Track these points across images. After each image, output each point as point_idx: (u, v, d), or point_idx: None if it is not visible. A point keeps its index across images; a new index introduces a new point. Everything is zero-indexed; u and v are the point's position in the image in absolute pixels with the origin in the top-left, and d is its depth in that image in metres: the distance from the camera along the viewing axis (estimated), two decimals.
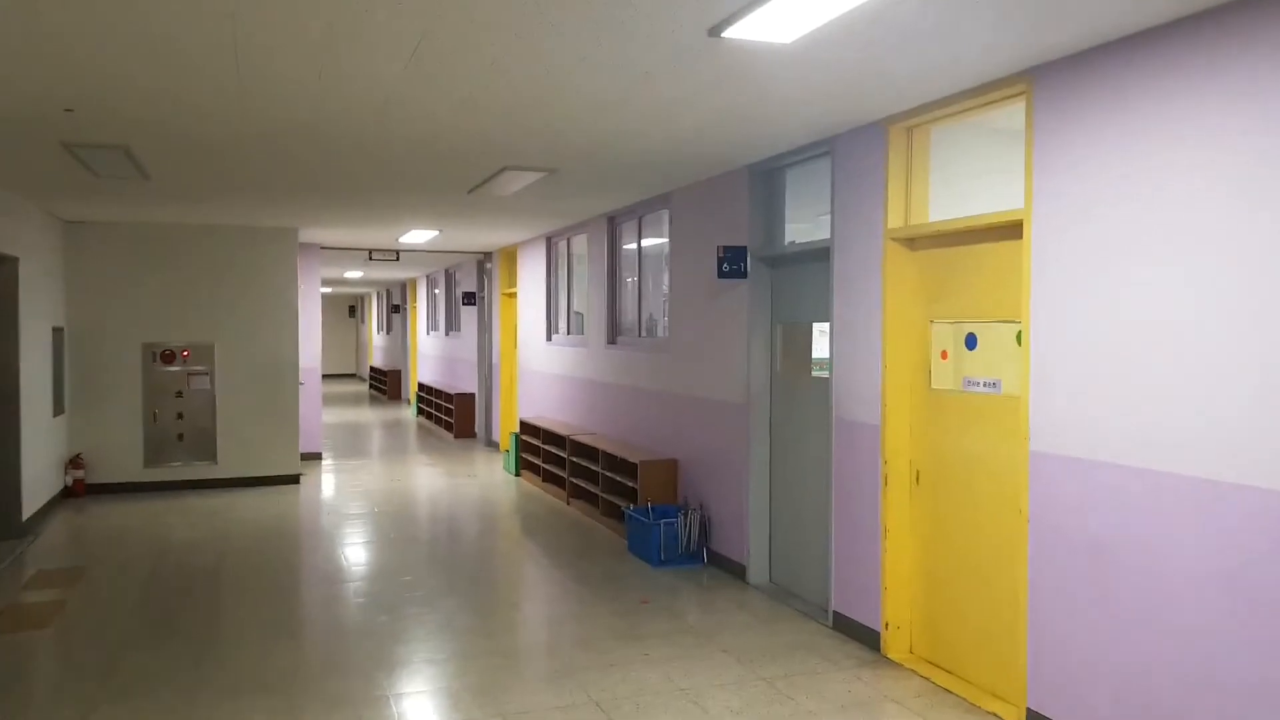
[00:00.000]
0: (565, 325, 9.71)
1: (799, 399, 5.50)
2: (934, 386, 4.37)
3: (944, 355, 4.33)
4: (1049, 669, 3.55)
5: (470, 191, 6.71)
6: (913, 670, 4.33)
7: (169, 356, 9.05)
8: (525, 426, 9.77)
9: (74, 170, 5.85)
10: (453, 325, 15.06)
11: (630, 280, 8.04)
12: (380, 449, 12.46)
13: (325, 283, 19.02)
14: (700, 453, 6.45)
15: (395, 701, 4.01)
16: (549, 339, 9.99)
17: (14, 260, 7.03)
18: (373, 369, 23.09)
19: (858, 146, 4.67)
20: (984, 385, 4.07)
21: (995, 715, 3.83)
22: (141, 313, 8.96)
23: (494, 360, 12.28)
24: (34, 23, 3.09)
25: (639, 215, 7.63)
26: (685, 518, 6.29)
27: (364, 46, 3.34)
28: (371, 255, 11.85)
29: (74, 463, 8.64)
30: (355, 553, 6.70)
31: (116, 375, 8.88)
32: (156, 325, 9.02)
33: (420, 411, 16.32)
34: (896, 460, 4.51)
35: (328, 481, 9.72)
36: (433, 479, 9.95)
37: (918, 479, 4.47)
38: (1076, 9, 2.96)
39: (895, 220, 4.48)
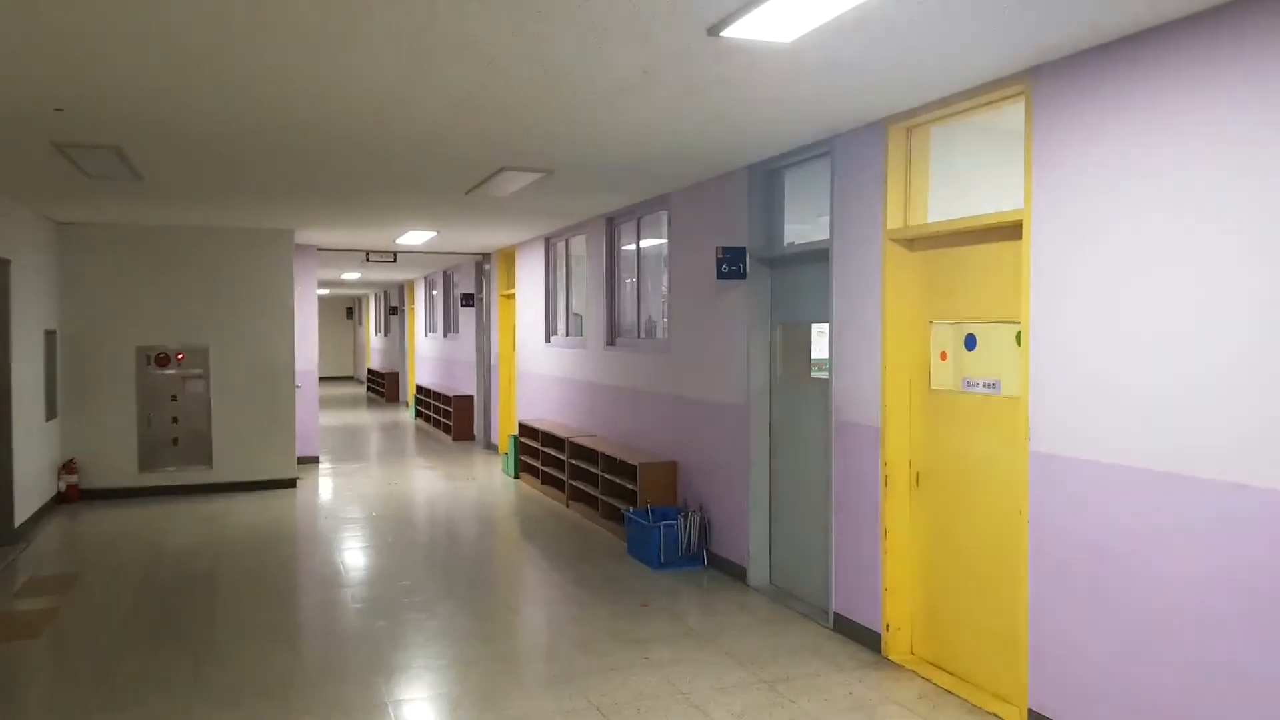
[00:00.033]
0: (564, 327, 9.68)
1: (798, 400, 5.47)
2: (934, 387, 4.35)
3: (943, 356, 4.30)
4: (1051, 670, 3.52)
5: (468, 192, 6.67)
6: (914, 672, 4.30)
7: (163, 360, 9.00)
8: (524, 429, 9.74)
9: (66, 171, 5.81)
10: (451, 327, 15.03)
11: (629, 281, 8.02)
12: (378, 452, 12.42)
13: (322, 284, 18.97)
14: (700, 455, 6.42)
15: (394, 708, 3.98)
16: (548, 340, 9.96)
17: (5, 262, 6.99)
18: (370, 371, 23.04)
19: (857, 147, 4.65)
20: (984, 386, 4.05)
21: (997, 716, 3.80)
22: (135, 316, 8.91)
23: (492, 362, 12.24)
24: (23, 21, 3.05)
25: (638, 216, 7.60)
26: (685, 520, 6.26)
27: (360, 46, 3.30)
28: (369, 257, 11.81)
29: (67, 468, 8.59)
30: (353, 557, 6.66)
31: (110, 379, 8.83)
32: (151, 328, 8.96)
33: (418, 414, 16.28)
34: (896, 461, 4.48)
35: (325, 485, 9.68)
36: (431, 482, 9.91)
37: (918, 480, 4.45)
38: (1076, 9, 2.94)
39: (895, 221, 4.45)
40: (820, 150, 4.99)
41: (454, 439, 13.27)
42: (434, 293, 16.43)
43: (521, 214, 8.07)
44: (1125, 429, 3.21)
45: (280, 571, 6.39)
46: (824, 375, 5.13)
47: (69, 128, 4.59)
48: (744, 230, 5.74)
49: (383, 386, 20.81)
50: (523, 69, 3.59)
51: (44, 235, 8.17)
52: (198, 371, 9.11)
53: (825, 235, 5.01)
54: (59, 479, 8.52)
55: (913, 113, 4.25)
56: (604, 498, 7.42)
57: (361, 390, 23.78)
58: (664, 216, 7.06)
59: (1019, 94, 3.73)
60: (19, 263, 7.27)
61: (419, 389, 16.25)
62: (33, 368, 7.69)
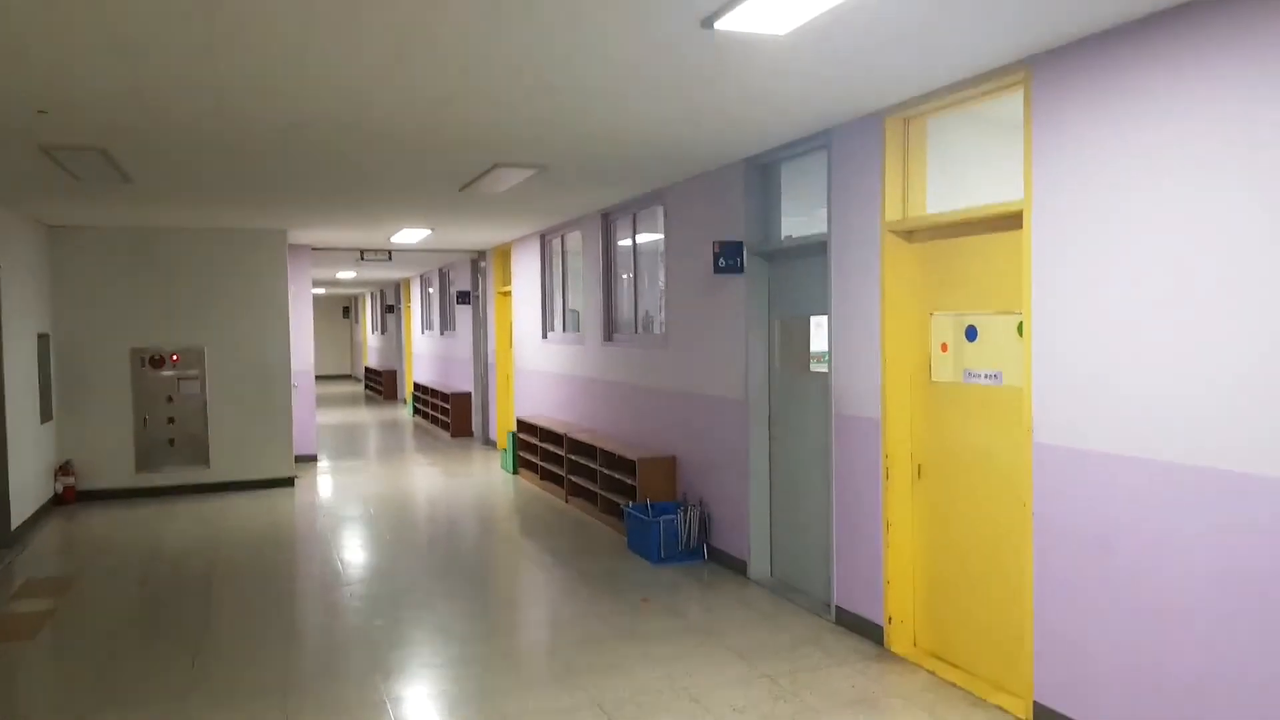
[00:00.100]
0: (561, 323, 9.65)
1: (798, 394, 5.45)
2: (934, 379, 4.33)
3: (944, 348, 4.28)
4: (1056, 662, 3.51)
5: (461, 189, 6.63)
6: (917, 665, 4.28)
7: (158, 361, 8.95)
8: (522, 425, 9.71)
9: (54, 174, 5.77)
10: (448, 324, 14.98)
11: (626, 277, 7.98)
12: (376, 450, 12.39)
13: (317, 283, 18.91)
14: (699, 449, 6.40)
15: (392, 706, 3.96)
16: (545, 337, 9.93)
17: None
18: (368, 369, 23.00)
19: (854, 138, 4.62)
20: (985, 377, 4.02)
21: (1002, 709, 3.79)
22: (129, 317, 8.86)
23: (490, 359, 12.21)
24: (1, 21, 3.01)
25: (633, 211, 7.57)
26: (685, 514, 6.24)
27: (345, 42, 3.26)
28: (363, 255, 11.76)
29: (63, 470, 8.55)
30: (351, 555, 6.64)
31: (105, 381, 8.79)
32: (145, 330, 8.92)
33: (416, 411, 16.25)
34: (897, 454, 4.46)
35: (323, 484, 9.65)
36: (430, 479, 9.88)
37: (919, 472, 4.43)
38: None
39: (893, 212, 4.43)
40: (817, 143, 4.96)
41: (452, 436, 13.24)
42: (430, 290, 16.38)
43: (516, 211, 8.03)
44: (1131, 419, 3.19)
45: (278, 570, 6.36)
46: (823, 368, 5.11)
47: (54, 130, 4.55)
48: (741, 224, 5.71)
49: (380, 384, 20.77)
50: (513, 62, 3.55)
51: (35, 239, 8.12)
52: (193, 372, 9.07)
53: (823, 228, 4.98)
54: (55, 481, 8.49)
55: (910, 104, 4.22)
56: (603, 493, 7.40)
57: (359, 388, 23.74)
58: (660, 211, 7.02)
59: (1018, 83, 3.70)
60: (10, 266, 7.22)
61: (417, 386, 16.22)
62: (27, 371, 7.65)
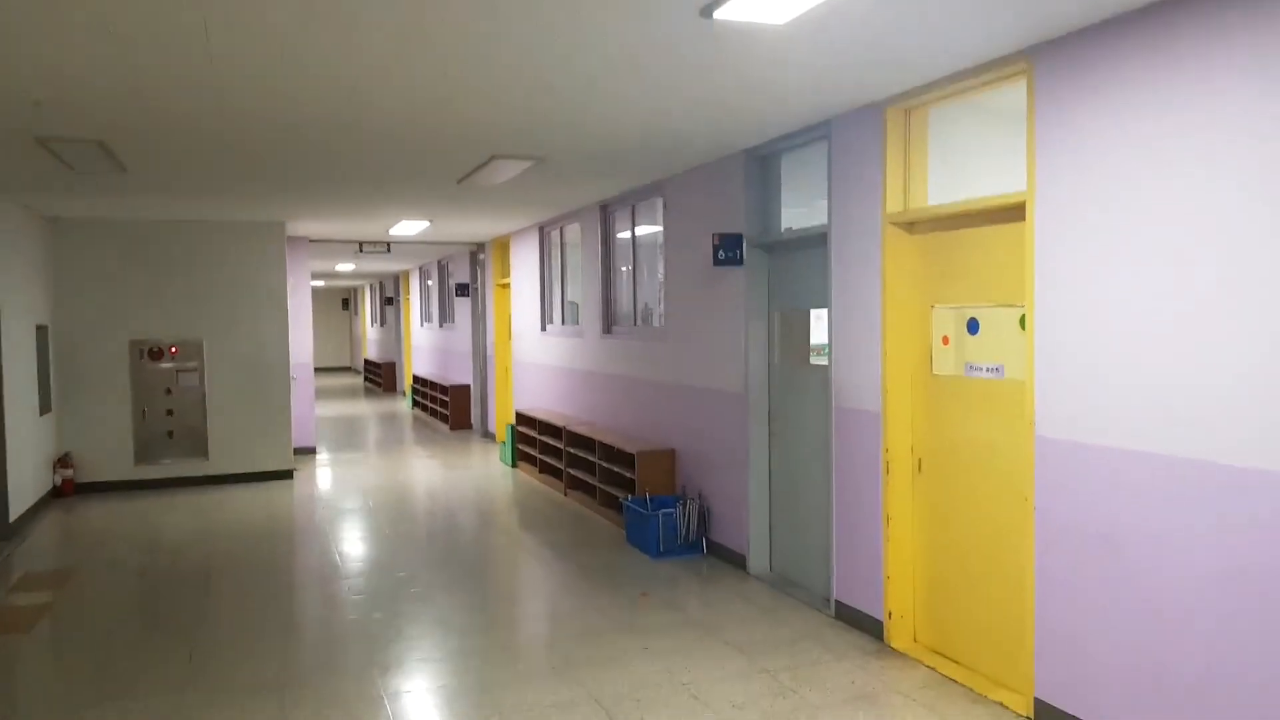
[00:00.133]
0: (560, 315, 9.62)
1: (798, 387, 5.42)
2: (935, 372, 4.30)
3: (945, 341, 4.25)
4: (1057, 658, 3.49)
5: (459, 181, 6.59)
6: (917, 660, 4.26)
7: (157, 353, 8.93)
8: (521, 418, 9.69)
9: (51, 165, 5.73)
10: (446, 317, 14.95)
11: (625, 269, 7.95)
12: (375, 442, 12.37)
13: (317, 276, 18.88)
14: (698, 442, 6.38)
15: (390, 700, 3.94)
16: (543, 329, 9.90)
17: None
18: (367, 362, 22.98)
19: (855, 129, 4.58)
20: (987, 370, 3.99)
21: (1003, 705, 3.77)
22: (128, 309, 8.84)
23: (488, 351, 12.18)
24: None
25: (632, 203, 7.52)
26: (684, 508, 6.22)
27: (342, 32, 3.22)
28: (362, 247, 11.73)
29: (62, 462, 8.53)
30: (350, 548, 6.62)
31: (104, 373, 8.77)
32: (143, 322, 8.90)
33: (415, 404, 16.23)
34: (898, 448, 4.44)
35: (322, 476, 9.64)
36: (428, 471, 9.86)
37: (920, 466, 4.40)
38: None
39: (894, 204, 4.39)
40: (817, 133, 4.92)
41: (451, 428, 13.23)
42: (429, 283, 16.34)
43: (515, 203, 7.99)
44: (1135, 412, 3.16)
45: (277, 564, 6.34)
46: (823, 361, 5.08)
47: (49, 122, 4.52)
48: (740, 216, 5.67)
49: (380, 377, 20.76)
50: (510, 53, 3.51)
51: (33, 230, 8.08)
52: (192, 365, 9.05)
53: (823, 220, 4.94)
54: (54, 473, 8.47)
55: (911, 94, 4.18)
56: (602, 486, 7.38)
57: (359, 380, 23.72)
58: (659, 203, 6.98)
59: (1020, 73, 3.66)
60: (7, 258, 7.19)
61: (416, 379, 16.20)
62: (25, 363, 7.62)
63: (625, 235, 7.84)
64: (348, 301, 27.73)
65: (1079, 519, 3.38)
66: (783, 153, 5.49)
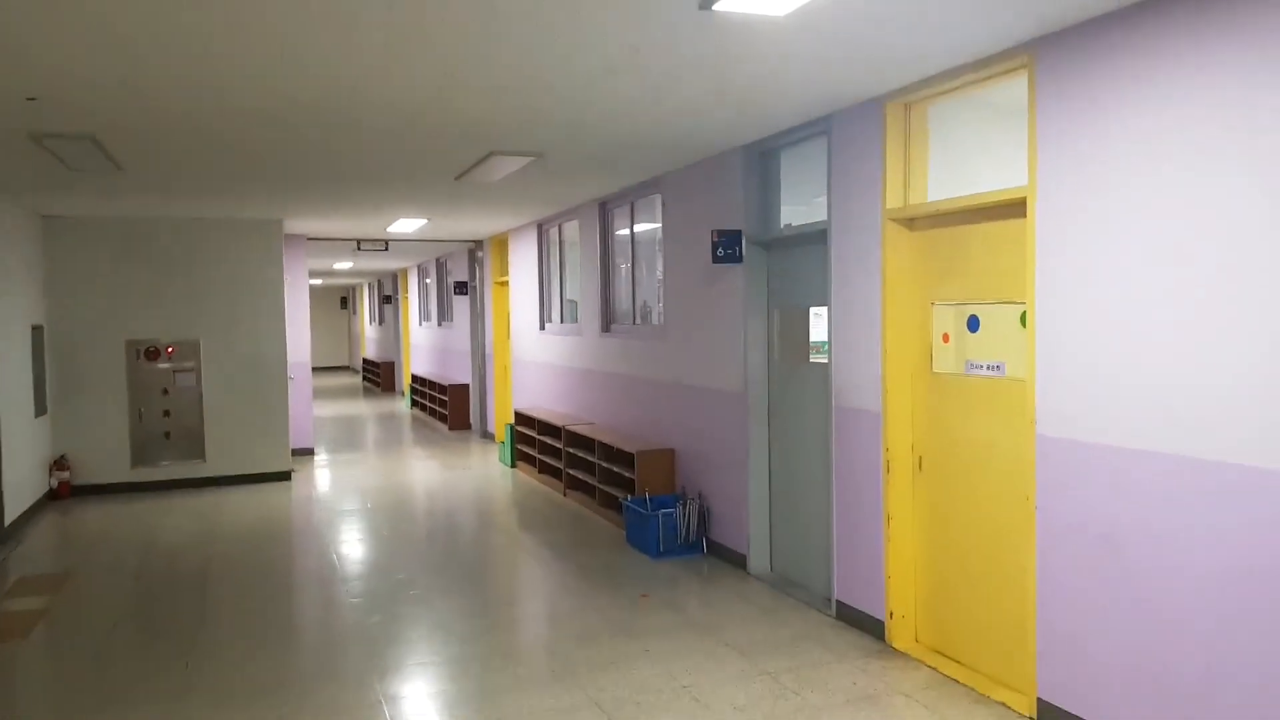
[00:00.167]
0: (559, 314, 9.57)
1: (797, 385, 5.38)
2: (936, 370, 4.25)
3: (945, 338, 4.21)
4: (1060, 659, 3.45)
5: (457, 178, 6.55)
6: (919, 660, 4.23)
7: (153, 353, 8.89)
8: (520, 417, 9.65)
9: (47, 163, 5.69)
10: (445, 315, 14.90)
11: (623, 267, 7.90)
12: (374, 442, 12.33)
13: (315, 274, 18.82)
14: (698, 441, 6.34)
15: (389, 705, 3.90)
16: (542, 328, 9.85)
17: None
18: (366, 361, 22.93)
19: (854, 124, 4.53)
20: (987, 368, 3.95)
21: (1005, 705, 3.73)
22: (124, 309, 8.79)
23: (487, 350, 12.14)
24: None
25: (631, 200, 7.48)
26: (684, 508, 6.18)
27: (338, 27, 3.18)
28: (360, 245, 11.68)
29: (58, 464, 8.49)
30: (348, 550, 6.58)
31: (100, 374, 8.72)
32: (140, 322, 8.85)
33: (414, 403, 16.19)
34: (898, 446, 4.39)
35: (320, 477, 9.60)
36: (427, 472, 9.82)
37: (920, 465, 4.36)
38: None
39: (894, 200, 4.35)
40: (817, 129, 4.87)
41: (450, 428, 13.18)
42: (427, 281, 16.29)
43: (513, 200, 7.95)
44: (1138, 411, 3.12)
45: (274, 566, 6.30)
46: (823, 359, 5.03)
47: (43, 118, 4.47)
48: (739, 212, 5.63)
49: (378, 376, 20.71)
50: (510, 51, 3.47)
51: (28, 229, 8.03)
52: (189, 365, 9.00)
53: (823, 216, 4.90)
54: (50, 475, 8.43)
55: (911, 89, 4.13)
56: (602, 486, 7.34)
57: (357, 380, 23.67)
58: (658, 200, 6.94)
59: (1021, 67, 3.61)
60: (3, 257, 7.14)
61: (414, 378, 16.15)
62: (20, 364, 7.58)
63: (624, 232, 7.79)
64: (346, 300, 27.67)
65: (1081, 518, 3.34)
66: (782, 149, 5.44)
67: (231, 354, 9.13)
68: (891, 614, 4.42)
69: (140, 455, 8.88)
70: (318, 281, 22.21)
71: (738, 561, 5.82)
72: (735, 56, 3.65)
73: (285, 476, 9.32)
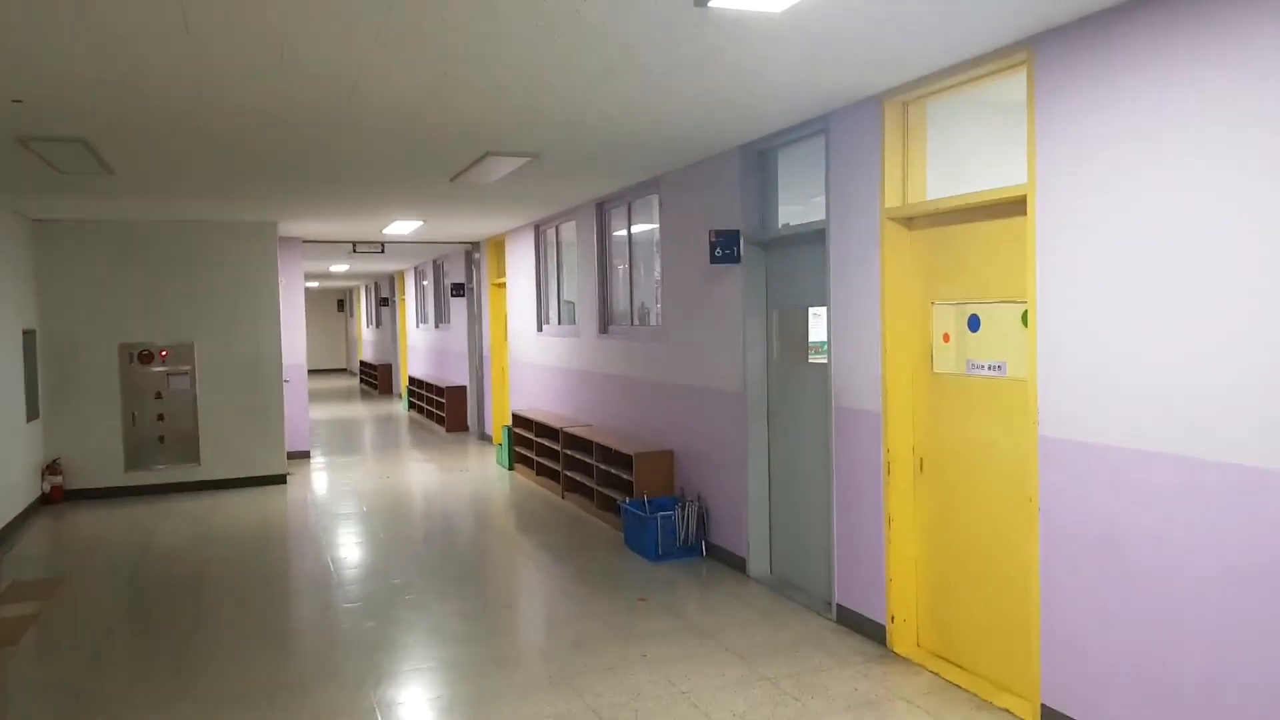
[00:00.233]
0: (556, 315, 9.52)
1: (797, 386, 5.33)
2: (936, 370, 4.21)
3: (946, 338, 4.16)
4: (1064, 663, 3.40)
5: (453, 179, 6.49)
6: (921, 665, 4.18)
7: (147, 357, 8.82)
8: (518, 419, 9.59)
9: (35, 166, 5.63)
10: (442, 317, 14.85)
11: (621, 268, 7.85)
12: (371, 445, 12.28)
13: (311, 276, 18.76)
14: (697, 443, 6.29)
15: (384, 712, 3.85)
16: (540, 329, 9.80)
17: None
18: (363, 363, 22.86)
19: (852, 123, 4.49)
20: (989, 368, 3.91)
21: (1009, 711, 3.68)
22: (117, 313, 8.73)
23: (484, 352, 12.08)
24: None
25: (628, 201, 7.43)
26: (683, 510, 6.13)
27: (327, 24, 3.13)
28: (355, 248, 11.63)
29: (51, 468, 8.42)
30: (344, 554, 6.52)
31: (93, 377, 8.66)
32: (133, 325, 8.78)
33: (411, 405, 16.13)
34: (899, 448, 4.35)
35: (316, 480, 9.54)
36: (424, 474, 9.77)
37: (921, 467, 4.31)
38: None
39: (893, 199, 4.30)
40: (814, 128, 4.83)
41: (447, 430, 13.13)
42: (424, 283, 16.24)
43: (509, 201, 7.90)
44: (1141, 411, 3.07)
45: (269, 571, 6.25)
46: (822, 360, 4.99)
47: (31, 121, 4.42)
48: (737, 213, 5.58)
49: (375, 378, 20.64)
50: (507, 50, 3.42)
51: (19, 232, 7.97)
52: (183, 368, 8.94)
53: (821, 216, 4.85)
54: (43, 480, 8.37)
55: (909, 86, 4.09)
56: (600, 488, 7.29)
57: (354, 383, 23.61)
58: (655, 200, 6.89)
59: (1021, 63, 3.57)
60: None
61: (412, 380, 16.09)
62: (12, 368, 7.52)
63: (621, 233, 7.74)
64: (343, 303, 27.60)
65: (1084, 520, 3.29)
66: (780, 148, 5.39)
67: (226, 357, 9.07)
68: (893, 618, 4.37)
69: (134, 459, 8.82)
70: (314, 284, 22.14)
71: (737, 564, 5.77)
72: (733, 55, 3.60)
73: (281, 480, 9.26)
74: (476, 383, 12.59)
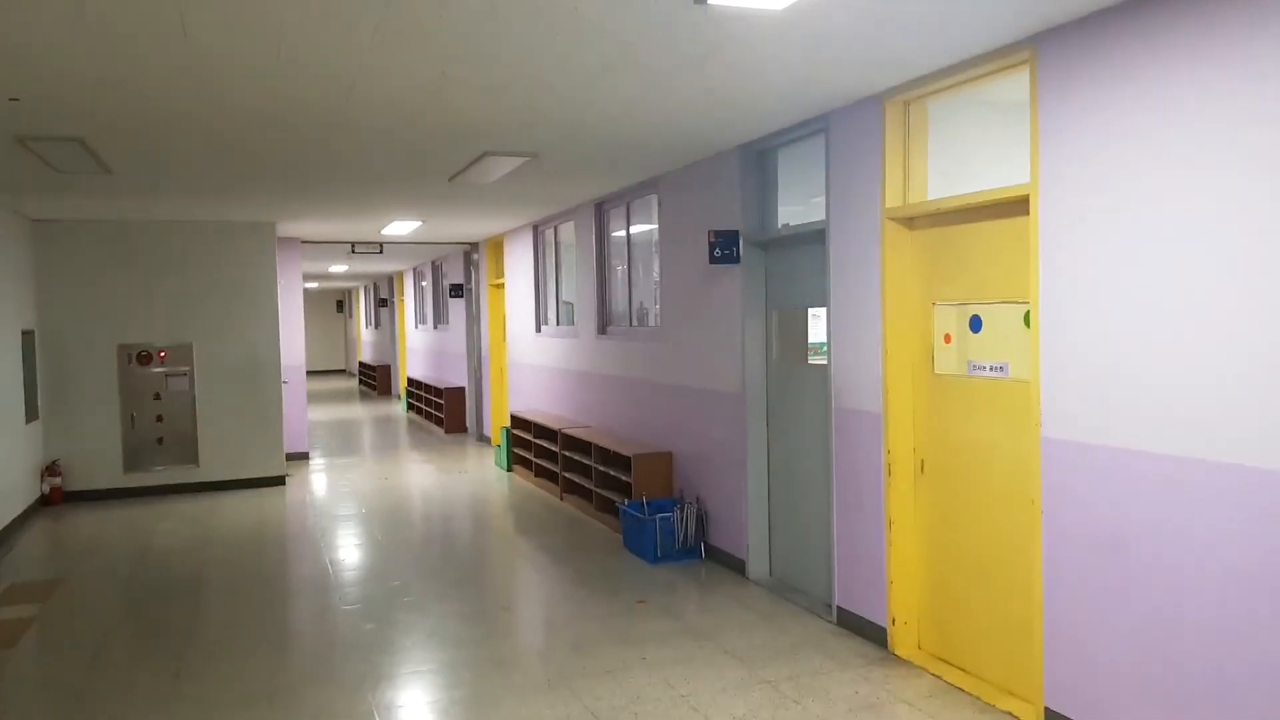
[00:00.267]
0: (555, 316, 9.50)
1: (796, 387, 5.31)
2: (937, 371, 4.19)
3: (947, 339, 4.14)
4: (1067, 666, 3.38)
5: (451, 179, 6.48)
6: (922, 668, 4.16)
7: (146, 358, 8.80)
8: (516, 420, 9.57)
9: (33, 165, 5.61)
10: (441, 318, 14.82)
11: (620, 268, 7.84)
12: (369, 446, 12.25)
13: (310, 277, 18.74)
14: (696, 444, 6.27)
15: (382, 714, 3.83)
16: (538, 330, 9.78)
17: None
18: (362, 364, 22.84)
19: (853, 123, 4.47)
20: (990, 369, 3.89)
21: (1011, 714, 3.66)
22: (116, 313, 8.70)
23: (483, 353, 12.06)
24: None
25: (627, 201, 7.41)
26: (682, 512, 6.11)
27: (325, 23, 3.11)
28: (354, 248, 11.60)
29: (50, 470, 8.40)
30: (343, 556, 6.50)
31: (92, 378, 8.63)
32: (132, 326, 8.76)
33: (410, 407, 16.10)
34: (900, 449, 4.33)
35: (315, 481, 9.51)
36: (423, 476, 9.74)
37: (922, 468, 4.29)
38: None
39: (893, 199, 4.28)
40: (814, 128, 4.81)
41: (446, 431, 13.10)
42: (423, 284, 16.22)
43: (508, 201, 7.88)
44: (1144, 412, 3.05)
45: (268, 572, 6.22)
46: (822, 360, 4.97)
47: (28, 120, 4.40)
48: (737, 213, 5.56)
49: (374, 379, 20.62)
50: (507, 49, 3.40)
51: (18, 233, 7.95)
52: (182, 369, 8.92)
53: (821, 216, 4.83)
54: (41, 482, 8.34)
55: (910, 86, 4.07)
56: (598, 490, 7.27)
57: (353, 384, 23.58)
58: (654, 201, 6.87)
59: (1023, 63, 3.55)
60: None
61: (410, 381, 16.07)
62: (10, 369, 7.50)
63: (620, 234, 7.73)
64: (342, 304, 27.58)
65: (1088, 522, 3.27)
66: (779, 148, 5.38)
67: (225, 358, 9.05)
68: (894, 620, 4.35)
69: (133, 461, 8.80)
70: (313, 285, 22.12)
71: (736, 566, 5.75)
72: (732, 53, 3.58)
73: (280, 481, 9.24)
74: (475, 384, 12.56)
